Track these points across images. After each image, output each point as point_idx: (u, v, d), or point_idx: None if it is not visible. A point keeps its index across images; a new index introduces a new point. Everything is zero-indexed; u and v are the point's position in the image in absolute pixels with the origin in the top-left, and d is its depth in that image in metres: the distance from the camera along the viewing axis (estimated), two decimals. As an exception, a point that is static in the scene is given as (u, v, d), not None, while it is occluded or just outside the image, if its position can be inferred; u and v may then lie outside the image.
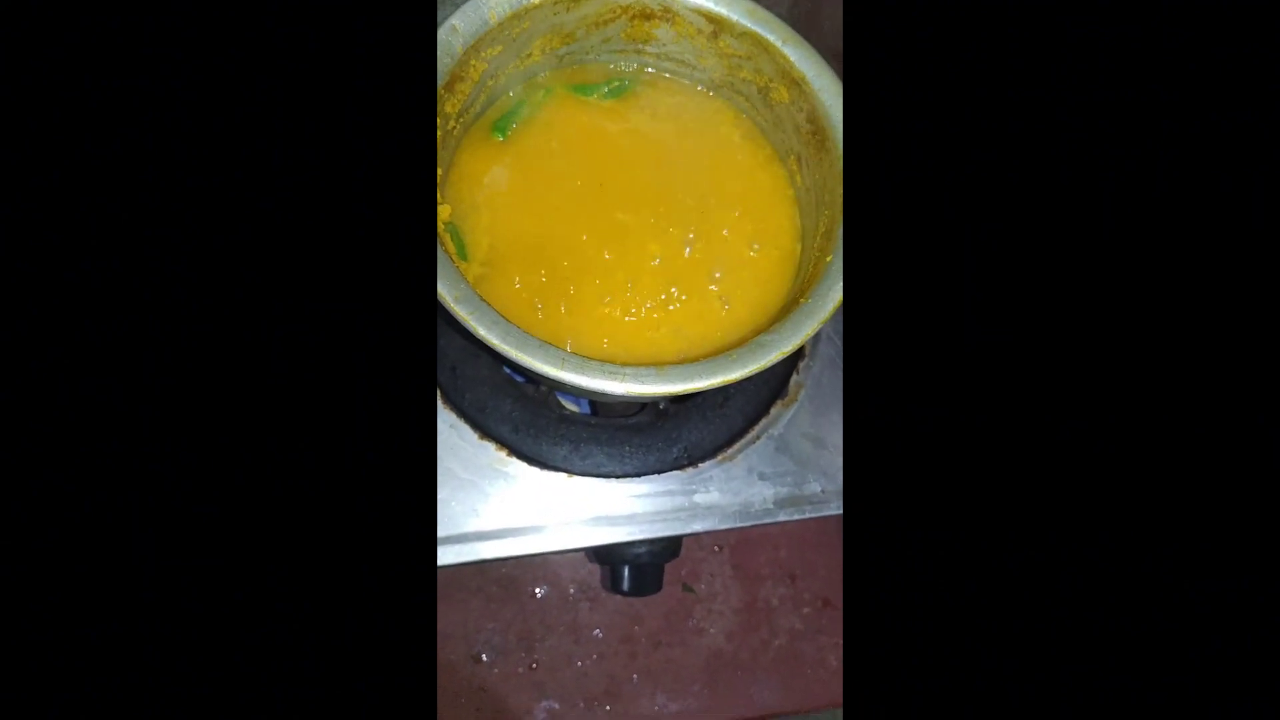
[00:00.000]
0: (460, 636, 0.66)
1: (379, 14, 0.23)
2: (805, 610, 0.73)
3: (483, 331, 0.41)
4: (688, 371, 0.42)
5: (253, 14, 0.22)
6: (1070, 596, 0.23)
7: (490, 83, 0.51)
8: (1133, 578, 0.23)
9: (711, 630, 0.71)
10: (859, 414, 0.25)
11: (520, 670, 0.67)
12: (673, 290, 0.51)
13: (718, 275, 0.52)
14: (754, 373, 0.42)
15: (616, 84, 0.55)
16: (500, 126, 0.53)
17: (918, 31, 0.25)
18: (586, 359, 0.42)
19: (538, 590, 0.67)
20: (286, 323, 0.23)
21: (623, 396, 0.42)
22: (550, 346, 0.42)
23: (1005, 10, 0.24)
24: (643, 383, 0.42)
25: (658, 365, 0.43)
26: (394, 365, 0.23)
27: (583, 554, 0.68)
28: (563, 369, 0.41)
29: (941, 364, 0.24)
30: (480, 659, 0.69)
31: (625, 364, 0.43)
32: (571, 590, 0.68)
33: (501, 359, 0.44)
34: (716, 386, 0.42)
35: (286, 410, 0.22)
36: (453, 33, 0.47)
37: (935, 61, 0.24)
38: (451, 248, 0.49)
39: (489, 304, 0.42)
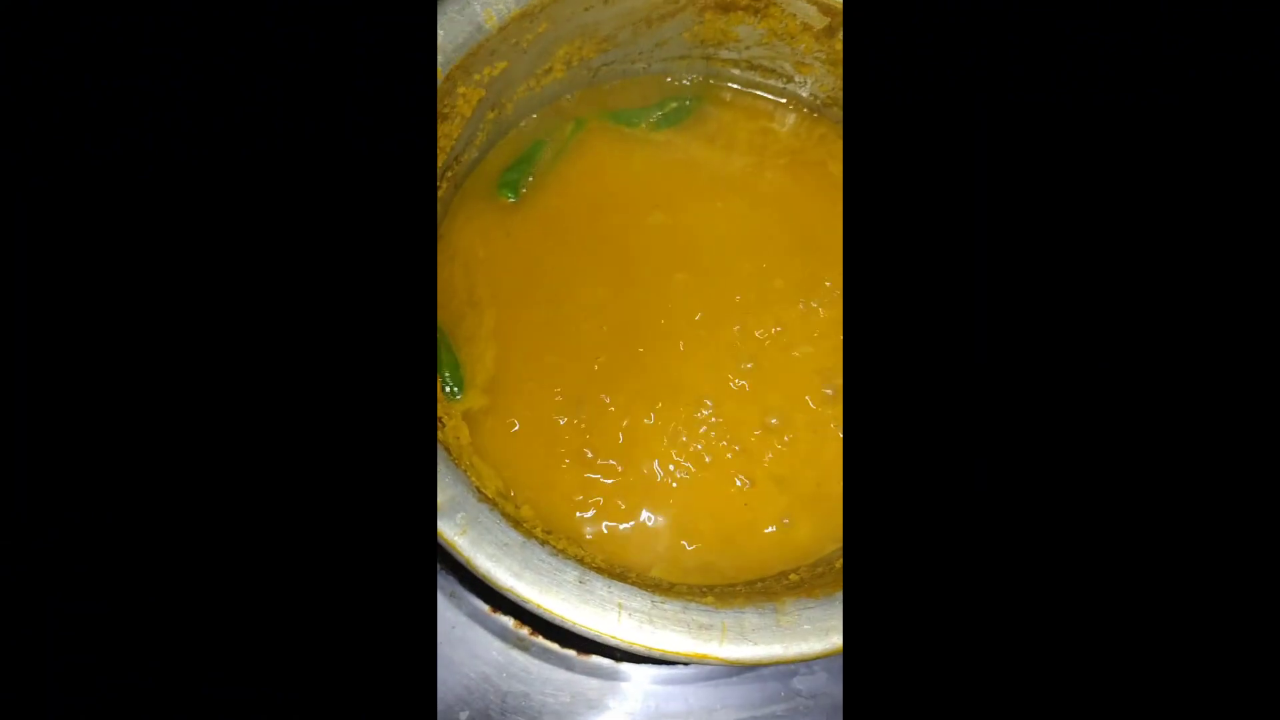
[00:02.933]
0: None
1: (379, 14, 0.23)
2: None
3: (483, 566, 0.25)
4: (818, 611, 0.26)
5: (253, 14, 0.22)
6: None
7: (491, 115, 0.34)
8: None
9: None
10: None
11: None
12: (771, 421, 0.35)
13: (829, 391, 0.35)
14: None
15: (674, 105, 0.38)
16: (509, 181, 0.36)
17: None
18: (656, 597, 0.25)
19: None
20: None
21: (723, 662, 0.25)
22: (595, 578, 0.25)
23: None
24: (754, 643, 0.25)
25: (761, 582, 0.27)
26: (382, 494, 0.21)
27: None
28: (620, 626, 0.25)
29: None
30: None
31: (708, 593, 0.27)
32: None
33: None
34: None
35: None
36: (428, 48, 0.29)
37: None
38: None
39: (492, 506, 0.26)
